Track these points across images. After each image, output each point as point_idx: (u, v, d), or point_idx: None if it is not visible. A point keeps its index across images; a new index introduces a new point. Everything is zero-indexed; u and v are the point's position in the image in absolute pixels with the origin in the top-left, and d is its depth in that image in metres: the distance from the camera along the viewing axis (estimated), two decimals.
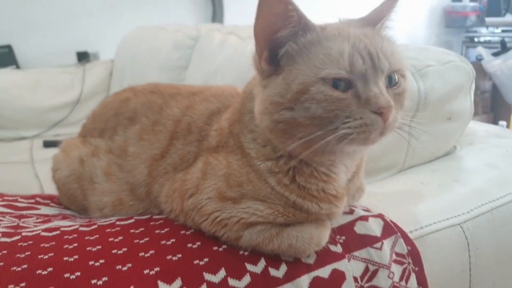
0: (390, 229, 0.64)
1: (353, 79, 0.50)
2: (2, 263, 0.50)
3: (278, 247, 0.55)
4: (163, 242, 0.56)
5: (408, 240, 0.65)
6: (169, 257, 0.53)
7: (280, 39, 0.51)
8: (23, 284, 0.47)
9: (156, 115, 0.67)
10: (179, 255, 0.54)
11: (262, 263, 0.55)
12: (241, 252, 0.56)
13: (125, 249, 0.54)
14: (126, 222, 0.62)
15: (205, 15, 2.79)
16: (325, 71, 0.49)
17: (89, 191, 0.70)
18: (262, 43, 0.51)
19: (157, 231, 0.59)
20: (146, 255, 0.53)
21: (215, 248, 0.56)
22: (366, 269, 0.59)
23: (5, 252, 0.53)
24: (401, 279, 0.61)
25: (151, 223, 0.61)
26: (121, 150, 0.68)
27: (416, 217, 0.72)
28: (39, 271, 0.49)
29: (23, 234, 0.58)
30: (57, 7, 2.36)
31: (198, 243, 0.56)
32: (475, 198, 0.77)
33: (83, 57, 2.33)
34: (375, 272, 0.59)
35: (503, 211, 0.78)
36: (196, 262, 0.53)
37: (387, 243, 0.62)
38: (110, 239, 0.56)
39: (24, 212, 0.70)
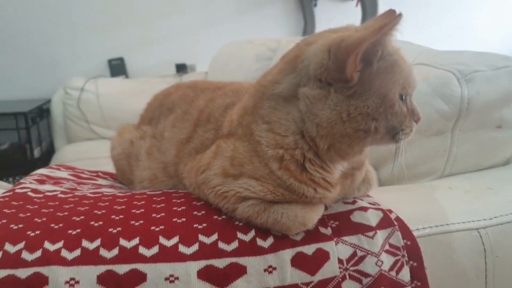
0: (388, 221, 0.67)
1: (407, 95, 0.61)
2: (52, 210, 0.66)
3: (265, 221, 0.62)
4: (175, 208, 0.67)
5: (408, 236, 0.67)
6: (175, 219, 0.64)
7: (373, 56, 0.57)
8: (61, 225, 0.62)
9: (187, 106, 0.79)
10: (184, 219, 0.64)
11: (252, 234, 0.62)
12: (236, 223, 0.64)
13: (142, 210, 0.66)
14: (154, 193, 0.74)
15: (298, 28, 2.91)
16: (404, 89, 0.60)
17: (134, 167, 0.85)
18: (361, 55, 0.56)
19: (174, 200, 0.70)
20: (157, 216, 0.64)
21: (215, 217, 0.65)
22: (354, 254, 0.63)
23: (57, 203, 0.69)
24: (391, 269, 0.63)
25: (173, 195, 0.72)
26: (160, 135, 0.81)
27: (430, 216, 0.72)
28: (74, 217, 0.63)
29: (75, 193, 0.73)
30: (162, 25, 2.69)
31: (203, 212, 0.66)
32: (504, 206, 0.75)
33: (181, 68, 2.61)
34: (362, 258, 0.63)
35: None
36: (195, 225, 0.63)
37: (381, 234, 0.65)
38: (134, 202, 0.69)
39: (85, 181, 0.87)
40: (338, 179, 0.65)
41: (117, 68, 2.64)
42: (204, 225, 0.63)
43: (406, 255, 0.65)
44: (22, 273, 0.55)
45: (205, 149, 0.72)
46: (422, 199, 0.78)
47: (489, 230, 0.71)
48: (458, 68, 0.91)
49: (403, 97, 0.60)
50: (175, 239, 0.60)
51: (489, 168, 0.94)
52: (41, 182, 0.78)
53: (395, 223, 0.67)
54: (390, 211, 0.70)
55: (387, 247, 0.65)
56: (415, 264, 0.66)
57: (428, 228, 0.70)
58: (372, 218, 0.67)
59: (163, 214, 0.65)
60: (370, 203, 0.71)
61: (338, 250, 0.63)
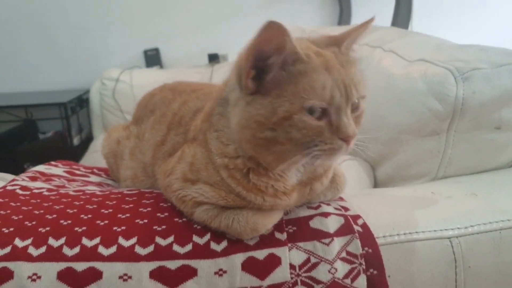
0: (348, 229, 0.66)
1: (329, 109, 0.57)
2: (30, 207, 0.71)
3: (218, 225, 0.64)
4: (141, 209, 0.70)
5: (370, 243, 0.66)
6: (137, 220, 0.67)
7: (270, 64, 0.57)
8: (34, 223, 0.67)
9: (164, 108, 0.82)
10: (146, 220, 0.67)
11: (207, 237, 0.64)
12: (195, 226, 0.66)
13: (111, 210, 0.70)
14: (129, 192, 0.78)
15: (333, 16, 2.85)
16: (310, 102, 0.55)
17: (120, 165, 0.89)
18: (252, 62, 0.56)
19: (143, 201, 0.73)
20: (122, 217, 0.68)
21: (176, 219, 0.68)
22: (307, 260, 0.63)
23: (39, 201, 0.74)
24: (345, 277, 0.63)
25: (146, 195, 0.76)
26: (142, 136, 0.85)
27: (399, 224, 0.70)
28: (47, 216, 0.69)
29: (59, 191, 0.79)
30: (196, 15, 2.73)
31: (166, 214, 0.69)
32: (483, 214, 0.72)
33: (213, 58, 2.64)
34: (315, 264, 0.63)
35: None
36: (155, 227, 0.66)
37: (338, 241, 0.65)
38: (107, 202, 0.73)
39: (76, 178, 0.92)
40: (294, 187, 0.66)
41: (153, 58, 2.72)
42: (164, 227, 0.66)
43: (363, 263, 0.64)
44: None
45: (175, 152, 0.75)
46: (398, 205, 0.76)
47: (462, 240, 0.69)
48: (457, 66, 0.87)
49: (316, 111, 0.56)
50: (133, 240, 0.64)
51: (489, 170, 0.89)
52: (33, 179, 0.85)
53: (355, 230, 0.66)
54: (358, 217, 0.69)
55: (343, 254, 0.64)
56: (375, 272, 0.65)
57: (396, 236, 0.69)
58: (331, 224, 0.66)
59: (128, 214, 0.69)
60: (336, 208, 0.71)
61: (291, 255, 0.63)
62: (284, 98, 0.56)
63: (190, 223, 0.67)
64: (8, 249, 0.62)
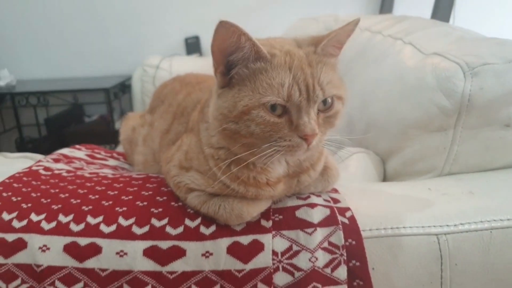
0: (332, 220, 0.68)
1: (289, 107, 0.60)
2: (48, 186, 0.79)
3: (206, 211, 0.68)
4: (143, 192, 0.76)
5: (354, 235, 0.68)
6: (137, 202, 0.73)
7: (232, 61, 0.61)
8: (49, 200, 0.75)
9: (171, 98, 0.87)
10: (145, 203, 0.73)
11: (197, 221, 0.69)
12: (188, 210, 0.71)
13: (116, 192, 0.76)
14: (137, 176, 0.84)
15: (375, 4, 2.78)
16: (266, 98, 0.59)
17: (134, 151, 0.96)
18: (218, 59, 0.62)
19: (147, 185, 0.79)
20: (125, 199, 0.74)
21: (172, 203, 0.73)
22: (290, 248, 0.66)
23: (57, 180, 0.82)
24: (326, 266, 0.66)
25: (151, 179, 0.82)
26: (153, 124, 0.91)
27: (387, 218, 0.71)
28: (61, 195, 0.76)
29: (77, 173, 0.87)
30: (235, 3, 2.75)
31: (165, 198, 0.74)
32: (475, 213, 0.71)
33: None
34: (297, 252, 0.66)
35: (508, 235, 0.69)
36: (152, 210, 0.71)
37: (321, 231, 0.67)
38: (114, 184, 0.79)
39: (95, 161, 1.00)
40: (279, 179, 0.69)
41: (193, 46, 2.79)
42: (160, 209, 0.71)
43: (345, 254, 0.66)
44: (10, 237, 0.69)
45: (177, 140, 0.80)
46: (390, 200, 0.77)
47: (450, 237, 0.69)
48: (467, 60, 0.85)
49: (277, 108, 0.59)
50: (131, 220, 0.70)
51: (498, 169, 0.87)
52: (57, 161, 0.93)
53: (339, 222, 0.68)
54: (347, 209, 0.71)
55: (325, 244, 0.67)
56: (357, 263, 0.67)
57: (383, 230, 0.70)
58: (316, 215, 0.69)
59: (131, 197, 0.75)
60: (326, 200, 0.73)
61: (274, 242, 0.67)
62: (244, 93, 0.59)
63: (184, 207, 0.72)
64: (24, 222, 0.71)
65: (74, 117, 2.76)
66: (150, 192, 0.76)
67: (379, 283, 0.68)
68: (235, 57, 0.60)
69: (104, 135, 2.52)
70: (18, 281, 0.67)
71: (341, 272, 0.66)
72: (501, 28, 2.57)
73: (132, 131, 0.99)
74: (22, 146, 2.78)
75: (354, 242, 0.67)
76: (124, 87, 2.68)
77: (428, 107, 0.87)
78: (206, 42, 2.83)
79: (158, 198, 0.74)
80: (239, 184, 0.66)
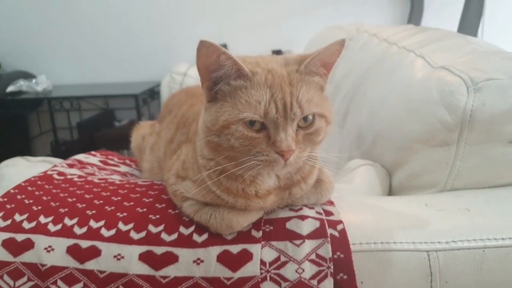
0: (321, 233, 0.70)
1: (267, 123, 0.63)
2: (59, 191, 0.85)
3: (199, 220, 0.71)
4: (144, 199, 0.80)
5: (343, 249, 0.69)
6: (138, 209, 0.77)
7: (216, 77, 0.65)
8: (58, 204, 0.80)
9: (177, 109, 0.91)
10: (145, 209, 0.77)
11: (191, 229, 0.72)
12: (184, 218, 0.74)
13: (119, 198, 0.81)
14: (142, 183, 0.88)
15: (403, 15, 2.75)
16: (243, 114, 0.62)
17: (142, 158, 1.00)
18: (203, 75, 0.66)
19: (149, 192, 0.83)
20: (127, 205, 0.78)
21: (170, 210, 0.76)
22: (277, 258, 0.68)
23: (67, 185, 0.87)
24: (312, 278, 0.67)
25: (154, 187, 0.85)
26: (160, 133, 0.95)
27: (378, 232, 0.72)
28: (69, 199, 0.81)
29: (87, 179, 0.92)
30: (262, 12, 2.80)
31: (163, 205, 0.78)
32: (468, 231, 0.71)
33: (277, 54, 2.70)
34: (284, 263, 0.68)
35: (501, 254, 0.68)
36: (150, 216, 0.75)
37: (309, 243, 0.69)
38: (119, 191, 0.83)
39: (107, 167, 1.05)
40: (270, 191, 0.71)
41: None
42: (158, 216, 0.75)
43: (332, 267, 0.67)
44: (19, 237, 0.74)
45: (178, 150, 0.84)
46: (384, 214, 0.77)
47: (441, 254, 0.69)
48: (472, 75, 0.84)
49: (258, 122, 0.62)
50: (130, 225, 0.74)
51: (502, 186, 0.86)
52: (71, 166, 0.99)
53: (328, 234, 0.69)
54: (338, 222, 0.72)
55: (313, 256, 0.68)
56: (345, 277, 0.68)
57: (373, 244, 0.71)
58: (306, 227, 0.70)
59: (132, 203, 0.79)
60: (318, 212, 0.74)
61: (263, 252, 0.69)
62: (225, 108, 0.63)
63: (181, 215, 0.75)
64: (33, 224, 0.76)
65: (105, 121, 2.87)
66: (151, 199, 0.80)
67: None
68: (218, 74, 0.64)
69: None
70: (25, 279, 0.72)
71: (327, 285, 0.67)
72: None
73: (141, 139, 1.04)
74: (57, 148, 2.92)
75: (342, 255, 0.68)
76: (153, 93, 2.77)
77: (431, 122, 0.87)
78: (235, 50, 2.87)
79: (157, 205, 0.78)
80: (229, 194, 0.69)
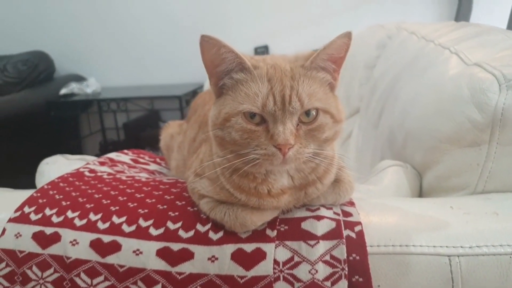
0: (336, 234, 0.68)
1: (265, 116, 0.63)
2: (88, 187, 0.88)
3: (214, 217, 0.72)
4: (166, 196, 0.82)
5: (359, 251, 0.67)
6: (159, 206, 0.79)
7: (220, 72, 0.67)
8: (85, 199, 0.83)
9: (201, 109, 0.92)
10: (165, 206, 0.78)
11: (207, 226, 0.73)
12: (201, 215, 0.75)
13: (143, 195, 0.83)
14: (166, 181, 0.90)
15: (450, 12, 2.62)
16: (242, 106, 0.64)
17: (170, 157, 1.02)
18: (209, 71, 0.68)
19: (172, 189, 0.85)
20: (149, 201, 0.80)
21: (189, 208, 0.77)
22: (291, 258, 0.67)
23: (96, 182, 0.91)
24: (326, 279, 0.66)
25: (177, 184, 0.87)
26: (186, 133, 0.97)
27: (398, 235, 0.69)
28: (95, 195, 0.84)
29: (116, 176, 0.95)
30: (302, 13, 2.78)
31: (183, 202, 0.79)
32: (495, 236, 0.67)
33: None
34: (298, 263, 0.67)
35: None
36: (169, 213, 0.77)
37: (324, 244, 0.67)
38: (144, 188, 0.86)
39: (138, 165, 1.08)
40: (284, 190, 0.70)
41: (262, 55, 2.85)
42: (177, 213, 0.76)
43: (346, 268, 0.66)
44: (48, 230, 0.79)
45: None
46: (406, 216, 0.74)
47: (464, 259, 0.65)
48: (504, 72, 0.80)
49: (257, 116, 0.63)
50: (150, 222, 0.76)
51: None
52: (102, 164, 1.03)
53: (344, 236, 0.68)
54: (356, 224, 0.71)
55: (327, 257, 0.67)
56: (360, 279, 0.66)
57: (391, 247, 0.68)
58: (321, 227, 0.69)
59: (154, 200, 0.81)
60: (336, 213, 0.73)
61: (276, 252, 0.68)
62: (227, 102, 0.64)
63: (198, 212, 0.76)
64: (61, 218, 0.80)
65: (150, 122, 2.96)
66: (172, 197, 0.82)
67: None
68: (221, 69, 0.65)
69: None
70: (51, 270, 0.76)
71: (342, 287, 0.65)
72: None
73: (170, 138, 1.07)
74: (105, 148, 3.05)
75: (358, 257, 0.67)
76: (195, 94, 2.82)
77: (460, 121, 0.83)
78: (275, 52, 2.89)
79: (177, 202, 0.80)
80: (241, 193, 0.69)
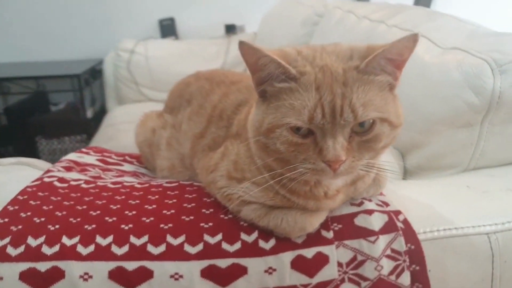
0: (392, 226, 0.67)
1: (313, 128, 0.56)
2: (72, 202, 0.71)
3: (266, 225, 0.64)
4: (185, 205, 0.70)
5: (412, 239, 0.67)
6: (183, 217, 0.67)
7: (260, 78, 0.58)
8: (79, 219, 0.67)
9: (202, 99, 0.81)
10: (192, 217, 0.67)
11: (254, 235, 0.65)
12: (241, 223, 0.66)
13: (155, 206, 0.70)
14: (169, 185, 0.77)
15: None
16: (286, 120, 0.56)
17: (156, 155, 0.89)
18: (251, 70, 0.59)
19: (186, 195, 0.73)
20: (167, 213, 0.68)
21: (222, 216, 0.68)
22: (354, 258, 0.64)
23: (79, 194, 0.74)
24: (391, 273, 0.65)
25: (187, 188, 0.76)
26: (178, 126, 0.84)
27: (438, 219, 0.71)
28: (91, 212, 0.68)
29: (97, 183, 0.78)
30: None
31: (211, 210, 0.69)
32: None
33: (230, 29, 2.57)
34: (362, 262, 0.64)
35: None
36: (202, 224, 0.66)
37: (383, 238, 0.66)
38: (149, 197, 0.72)
39: (110, 167, 0.92)
40: (339, 189, 0.66)
41: (168, 28, 2.63)
42: (210, 224, 0.66)
43: (407, 260, 0.65)
44: (42, 266, 0.61)
45: (217, 146, 0.74)
46: (435, 199, 0.77)
47: (500, 235, 0.70)
48: (494, 57, 0.85)
49: (302, 128, 0.56)
50: (181, 238, 0.64)
51: None
52: (69, 169, 0.84)
53: (399, 227, 0.67)
54: (399, 213, 0.70)
55: (388, 252, 0.65)
56: (417, 268, 0.66)
57: (436, 232, 0.70)
58: (375, 222, 0.67)
59: (173, 211, 0.69)
60: (378, 205, 0.71)
61: (338, 253, 0.64)
62: (270, 110, 0.58)
63: (236, 220, 0.67)
64: (56, 248, 0.63)
65: (38, 105, 2.51)
66: (193, 204, 0.70)
67: (434, 285, 0.69)
68: (261, 75, 0.58)
69: (74, 125, 2.35)
70: None
71: (405, 278, 0.65)
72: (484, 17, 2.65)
73: (152, 133, 0.91)
74: None
75: (413, 247, 0.67)
76: (94, 72, 2.48)
77: (455, 104, 0.87)
78: (182, 24, 2.68)
79: (204, 210, 0.69)
80: (298, 197, 0.63)
